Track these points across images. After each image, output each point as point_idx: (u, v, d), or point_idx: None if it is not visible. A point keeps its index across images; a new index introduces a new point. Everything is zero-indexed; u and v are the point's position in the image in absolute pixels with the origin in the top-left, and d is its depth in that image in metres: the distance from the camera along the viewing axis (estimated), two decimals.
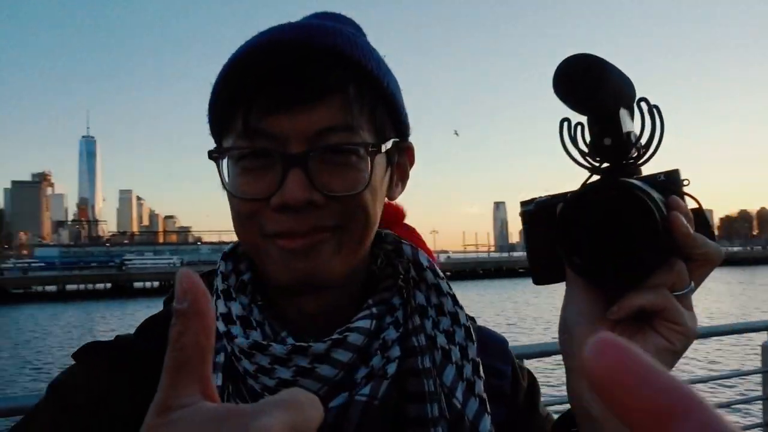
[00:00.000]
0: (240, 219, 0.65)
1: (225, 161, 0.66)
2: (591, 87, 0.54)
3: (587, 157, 0.59)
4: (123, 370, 0.65)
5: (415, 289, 0.72)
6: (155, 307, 0.78)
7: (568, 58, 0.54)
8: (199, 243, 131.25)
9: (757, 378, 3.68)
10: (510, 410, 0.75)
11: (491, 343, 0.79)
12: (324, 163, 0.62)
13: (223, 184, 0.66)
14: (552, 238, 0.57)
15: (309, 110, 0.61)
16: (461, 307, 0.72)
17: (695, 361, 11.91)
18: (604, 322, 0.57)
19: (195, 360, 0.33)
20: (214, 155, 0.64)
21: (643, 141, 0.57)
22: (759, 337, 3.55)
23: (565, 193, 0.60)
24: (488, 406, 0.68)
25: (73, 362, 0.69)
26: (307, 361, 0.62)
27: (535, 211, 0.63)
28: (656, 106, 0.57)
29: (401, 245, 0.75)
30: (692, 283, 0.56)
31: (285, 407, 0.31)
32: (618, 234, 0.54)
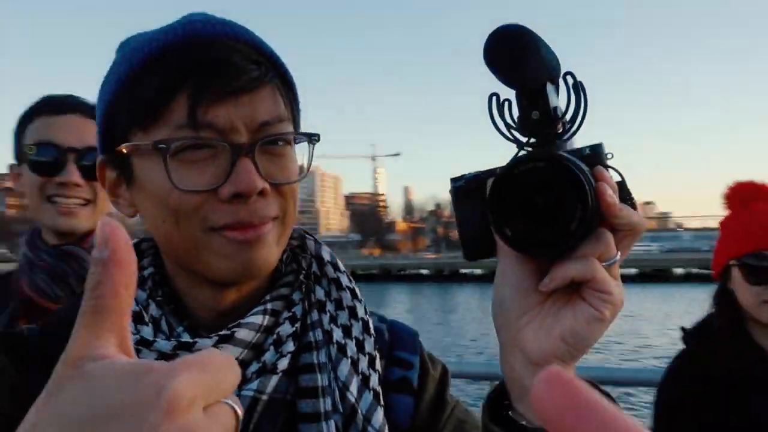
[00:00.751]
0: (179, 214, 0.63)
1: (139, 155, 0.65)
2: (519, 57, 0.54)
3: (515, 132, 0.59)
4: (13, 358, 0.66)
5: (315, 284, 0.74)
6: None
7: (499, 27, 0.54)
8: (680, 229, 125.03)
9: None
10: (417, 399, 0.77)
11: (401, 335, 0.80)
12: (264, 153, 0.64)
13: (144, 179, 0.65)
14: (482, 213, 0.59)
15: (249, 102, 0.63)
16: (360, 301, 0.75)
17: None
18: (536, 294, 0.57)
19: (113, 310, 0.32)
20: (162, 147, 0.61)
21: (568, 116, 0.57)
22: None
23: (494, 169, 0.59)
24: (382, 398, 0.70)
25: None
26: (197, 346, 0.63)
27: (465, 187, 0.62)
28: (581, 82, 0.57)
29: (305, 240, 0.77)
30: (619, 254, 0.56)
31: (201, 367, 0.31)
32: (548, 205, 0.54)
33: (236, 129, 0.63)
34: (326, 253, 0.75)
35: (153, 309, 0.68)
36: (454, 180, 0.64)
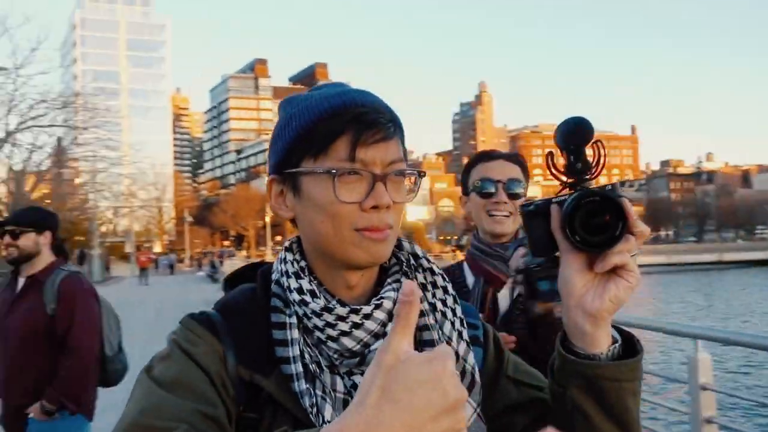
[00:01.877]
0: (335, 217, 0.88)
1: (310, 176, 0.90)
2: (579, 144, 0.89)
3: (561, 174, 0.92)
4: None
5: (415, 272, 0.98)
6: None
7: (569, 120, 0.91)
8: None
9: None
10: (485, 350, 1.03)
11: (466, 307, 1.04)
12: (390, 181, 0.90)
13: (311, 195, 0.90)
14: (545, 226, 0.90)
15: (384, 148, 0.89)
16: (448, 282, 1.00)
17: None
18: (590, 274, 0.87)
19: (411, 326, 0.61)
20: (337, 172, 0.87)
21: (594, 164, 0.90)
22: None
23: (550, 199, 0.90)
24: (471, 347, 0.97)
25: None
26: (359, 318, 0.87)
27: (534, 210, 0.92)
28: (601, 142, 0.90)
29: (401, 241, 1.00)
30: (637, 249, 0.87)
31: (451, 356, 0.61)
32: (599, 221, 0.84)
33: (376, 164, 0.90)
34: (418, 250, 1.01)
35: (315, 288, 0.92)
36: (524, 206, 0.95)
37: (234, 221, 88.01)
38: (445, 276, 1.01)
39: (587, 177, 0.90)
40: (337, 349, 0.87)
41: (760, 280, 42.58)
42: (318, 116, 0.90)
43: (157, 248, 73.84)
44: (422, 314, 0.94)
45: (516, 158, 1.87)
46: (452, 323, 0.97)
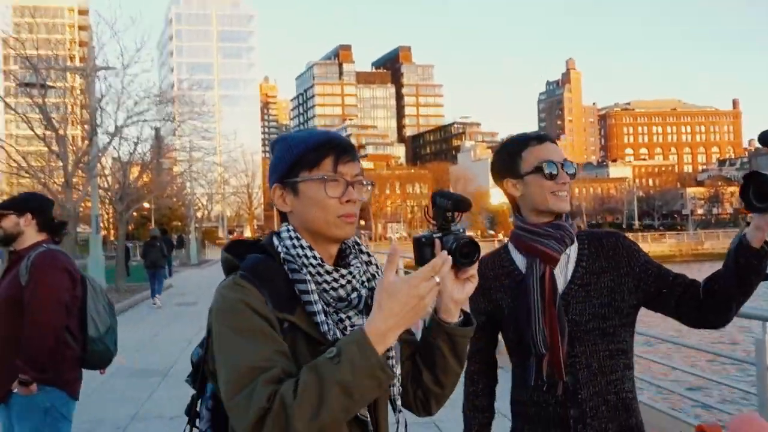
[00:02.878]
0: (326, 207, 1.33)
1: (308, 182, 1.35)
2: (459, 211, 1.39)
3: (433, 221, 1.40)
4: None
5: (359, 253, 1.44)
6: None
7: (455, 197, 1.39)
8: None
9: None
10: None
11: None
12: (356, 185, 1.37)
13: (307, 193, 1.35)
14: (431, 251, 1.32)
15: (353, 165, 1.37)
16: (369, 253, 1.45)
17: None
18: (457, 279, 1.32)
19: (395, 267, 1.19)
20: (327, 178, 1.33)
21: None
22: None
23: (432, 234, 1.35)
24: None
25: None
26: (339, 275, 1.33)
27: (425, 241, 1.35)
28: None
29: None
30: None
31: (419, 275, 1.18)
32: (468, 252, 1.29)
33: (348, 175, 1.36)
34: (358, 240, 1.45)
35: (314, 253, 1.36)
36: (417, 237, 1.33)
37: None
38: (371, 253, 1.46)
39: (453, 226, 1.37)
40: (335, 297, 1.32)
41: None
42: (312, 145, 1.38)
43: (247, 232, 76.78)
44: (371, 278, 1.41)
45: (554, 141, 1.91)
46: (373, 274, 1.45)
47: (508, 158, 1.86)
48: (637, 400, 1.80)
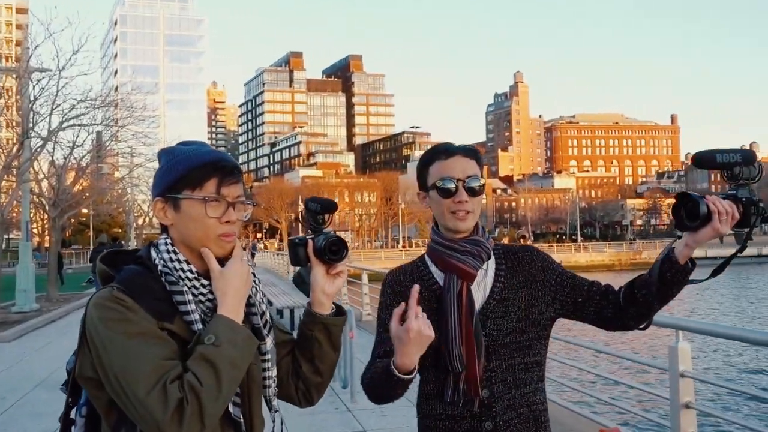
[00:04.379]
0: (206, 227, 1.37)
1: (189, 200, 1.38)
2: (329, 213, 1.59)
3: (312, 224, 1.55)
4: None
5: None
6: None
7: (327, 202, 1.57)
8: None
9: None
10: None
11: None
12: (237, 207, 1.41)
13: (186, 211, 1.38)
14: (304, 251, 1.51)
15: (236, 187, 1.40)
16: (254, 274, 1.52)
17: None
18: (327, 274, 1.52)
19: (212, 257, 1.40)
20: (208, 199, 1.37)
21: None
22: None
23: (305, 237, 1.54)
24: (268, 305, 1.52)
25: None
26: (201, 283, 1.38)
27: (298, 243, 1.54)
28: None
29: None
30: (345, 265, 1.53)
31: (240, 258, 1.40)
32: (336, 249, 1.48)
33: (229, 196, 1.39)
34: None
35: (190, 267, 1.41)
36: (291, 239, 1.51)
37: (267, 213, 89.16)
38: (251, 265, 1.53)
39: (326, 227, 1.54)
40: (210, 307, 1.39)
41: None
42: (197, 164, 1.40)
43: None
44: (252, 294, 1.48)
45: (473, 152, 1.82)
46: (263, 293, 1.52)
47: (421, 170, 1.82)
48: (548, 411, 1.81)
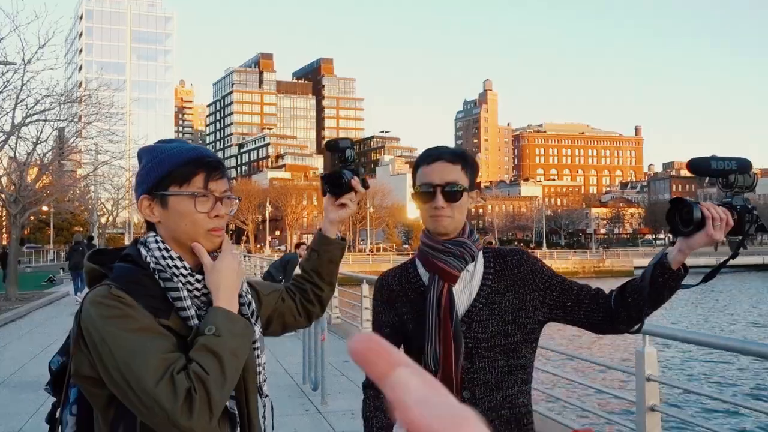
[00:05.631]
0: (195, 222, 1.38)
1: (178, 196, 1.39)
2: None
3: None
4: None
5: None
6: None
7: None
8: None
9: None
10: (257, 294, 1.66)
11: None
12: (224, 202, 1.43)
13: (173, 207, 1.40)
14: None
15: (222, 182, 1.42)
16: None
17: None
18: (335, 204, 1.75)
19: (204, 252, 1.45)
20: (197, 195, 1.39)
21: None
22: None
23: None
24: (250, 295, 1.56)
25: None
26: (195, 278, 1.40)
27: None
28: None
29: None
30: (353, 199, 1.76)
31: (231, 253, 1.45)
32: (339, 185, 1.73)
33: (217, 191, 1.41)
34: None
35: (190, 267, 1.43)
36: (323, 174, 1.73)
37: (234, 215, 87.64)
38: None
39: (350, 165, 1.79)
40: (204, 301, 1.42)
41: (757, 285, 42.95)
42: (183, 161, 1.41)
43: None
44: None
45: (459, 156, 1.81)
46: (247, 284, 1.57)
47: (413, 173, 1.87)
48: (532, 413, 1.81)
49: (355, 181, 1.75)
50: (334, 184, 1.72)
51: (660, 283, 1.61)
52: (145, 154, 1.46)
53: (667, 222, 1.58)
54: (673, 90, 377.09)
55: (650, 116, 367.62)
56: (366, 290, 10.42)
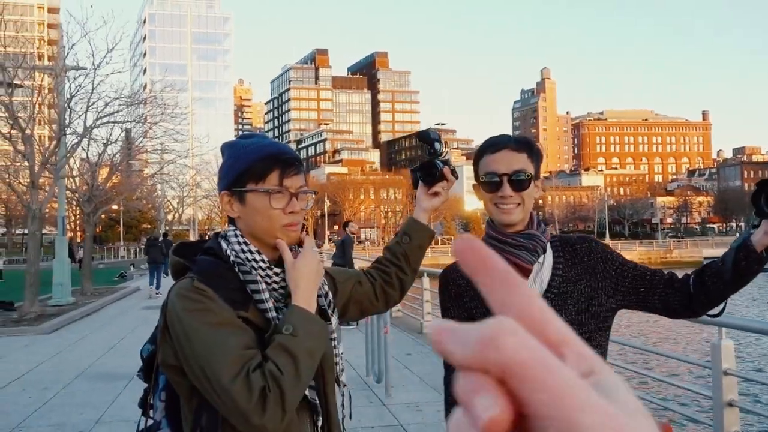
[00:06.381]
0: (270, 217, 1.41)
1: (254, 193, 1.43)
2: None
3: None
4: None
5: None
6: None
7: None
8: None
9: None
10: (334, 281, 1.72)
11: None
12: (300, 197, 1.45)
13: (251, 203, 1.44)
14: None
15: (298, 178, 1.44)
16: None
17: None
18: (427, 193, 1.81)
19: (286, 249, 1.47)
20: (272, 191, 1.41)
21: None
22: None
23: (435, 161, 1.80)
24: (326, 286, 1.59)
25: None
26: (273, 272, 1.42)
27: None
28: None
29: None
30: (445, 187, 1.84)
31: (310, 250, 1.48)
32: (433, 173, 1.80)
33: (292, 187, 1.44)
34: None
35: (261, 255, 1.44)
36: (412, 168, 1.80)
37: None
38: None
39: (443, 156, 1.82)
40: (282, 294, 1.44)
41: None
42: (260, 157, 1.45)
43: None
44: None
45: (524, 144, 1.78)
46: (325, 272, 1.61)
47: (474, 164, 1.84)
48: None
49: (447, 171, 1.81)
50: (428, 174, 1.78)
51: (743, 266, 1.58)
52: (226, 149, 1.51)
53: (752, 204, 1.56)
54: (742, 72, 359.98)
55: (719, 100, 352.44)
56: (426, 283, 10.41)
